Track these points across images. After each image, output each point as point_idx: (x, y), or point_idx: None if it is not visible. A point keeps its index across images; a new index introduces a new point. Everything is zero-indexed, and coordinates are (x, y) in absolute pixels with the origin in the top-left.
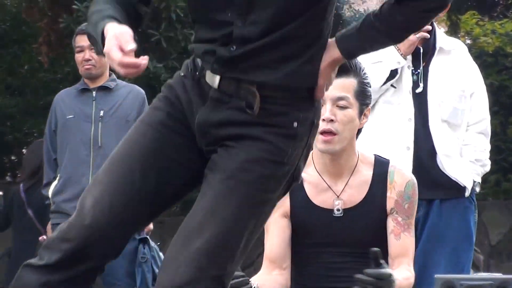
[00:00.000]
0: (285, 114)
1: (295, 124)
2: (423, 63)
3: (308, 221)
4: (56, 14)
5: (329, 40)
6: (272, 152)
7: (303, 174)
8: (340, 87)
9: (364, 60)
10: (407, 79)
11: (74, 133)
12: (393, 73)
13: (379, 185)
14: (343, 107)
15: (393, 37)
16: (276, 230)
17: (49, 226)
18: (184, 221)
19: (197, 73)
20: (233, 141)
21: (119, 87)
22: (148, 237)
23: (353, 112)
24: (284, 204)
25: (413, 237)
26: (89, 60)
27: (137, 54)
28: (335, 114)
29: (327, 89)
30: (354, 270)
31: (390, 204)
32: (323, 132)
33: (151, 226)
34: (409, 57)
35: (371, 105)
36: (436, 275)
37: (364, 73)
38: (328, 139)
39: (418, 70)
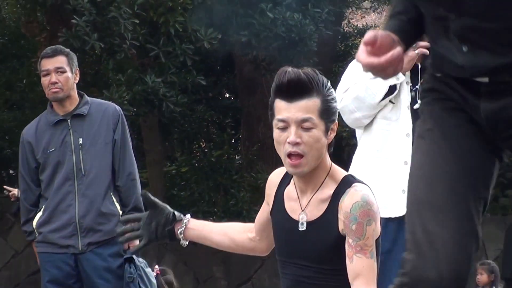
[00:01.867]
0: None
1: None
2: (421, 79)
3: (278, 223)
4: (55, 29)
5: None
6: None
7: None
8: (303, 109)
9: (363, 76)
10: (405, 95)
11: (58, 165)
12: (392, 89)
13: (334, 204)
14: (307, 129)
15: None
16: (260, 211)
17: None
18: None
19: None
20: None
21: (92, 110)
22: (134, 256)
23: (318, 132)
24: (269, 194)
25: (369, 258)
26: (56, 83)
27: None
28: (300, 136)
29: None
30: (319, 286)
31: (340, 225)
32: (290, 155)
33: (136, 242)
34: (408, 73)
35: (367, 121)
36: None
37: (328, 89)
38: (295, 163)
39: (416, 87)
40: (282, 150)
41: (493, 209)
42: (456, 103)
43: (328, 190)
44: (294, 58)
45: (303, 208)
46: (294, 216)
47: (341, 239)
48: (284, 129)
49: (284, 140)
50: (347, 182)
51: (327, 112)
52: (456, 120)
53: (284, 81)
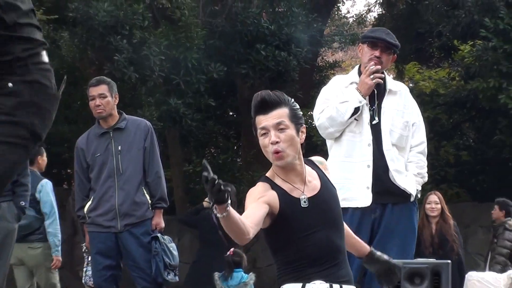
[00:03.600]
0: None
1: None
2: (377, 101)
3: (290, 210)
4: (101, 63)
5: None
6: None
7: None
8: (276, 116)
9: (334, 100)
10: (366, 114)
11: (102, 165)
12: (356, 110)
13: (322, 174)
14: (282, 129)
15: None
16: (256, 205)
17: (87, 235)
18: None
19: None
20: None
21: (129, 124)
22: (158, 235)
23: (291, 131)
24: (268, 195)
25: None
26: (99, 106)
27: (162, 93)
28: (278, 137)
29: None
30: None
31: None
32: (274, 152)
33: (162, 224)
34: (367, 97)
35: (338, 134)
36: None
37: (292, 101)
38: (279, 157)
39: (374, 107)
40: (268, 151)
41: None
42: None
43: (312, 173)
44: (281, 85)
45: (303, 190)
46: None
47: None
48: (265, 134)
49: (267, 143)
50: (312, 161)
51: (295, 116)
52: None
53: (258, 100)
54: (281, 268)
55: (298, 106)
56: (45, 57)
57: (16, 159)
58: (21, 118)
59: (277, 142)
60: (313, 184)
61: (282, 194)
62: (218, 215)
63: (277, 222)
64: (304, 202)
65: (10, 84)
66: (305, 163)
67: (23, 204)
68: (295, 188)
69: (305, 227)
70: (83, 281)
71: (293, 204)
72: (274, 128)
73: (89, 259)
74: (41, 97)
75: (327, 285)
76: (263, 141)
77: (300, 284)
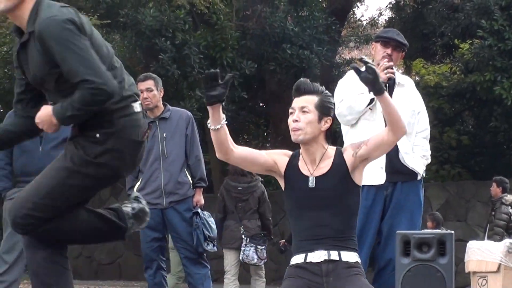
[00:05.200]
0: None
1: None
2: (388, 92)
3: (293, 180)
4: (148, 62)
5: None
6: None
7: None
8: (304, 101)
9: (352, 92)
10: (379, 104)
11: (150, 150)
12: (371, 100)
13: (339, 160)
14: (305, 112)
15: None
16: (261, 152)
17: None
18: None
19: None
20: None
21: (172, 115)
22: (199, 210)
23: (312, 116)
24: (278, 157)
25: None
26: (147, 98)
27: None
28: (298, 117)
29: None
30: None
31: (349, 164)
32: (292, 129)
33: (202, 201)
34: None
35: (354, 122)
36: (397, 231)
37: (325, 94)
38: (293, 132)
39: None
40: (290, 127)
41: (435, 178)
42: None
43: (328, 160)
44: None
45: (312, 172)
46: (307, 174)
47: (348, 176)
48: (292, 113)
49: (291, 121)
50: (337, 149)
51: (322, 106)
52: None
53: (296, 85)
54: (293, 238)
55: (330, 100)
56: (135, 108)
57: (98, 190)
58: (105, 161)
59: (296, 121)
60: (323, 166)
61: (293, 166)
62: (212, 127)
63: (285, 189)
64: (311, 182)
65: (97, 135)
66: (325, 153)
67: None
68: (306, 167)
69: (306, 204)
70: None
71: (300, 180)
72: (299, 110)
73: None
74: (123, 144)
75: (325, 252)
76: (290, 118)
77: (303, 255)
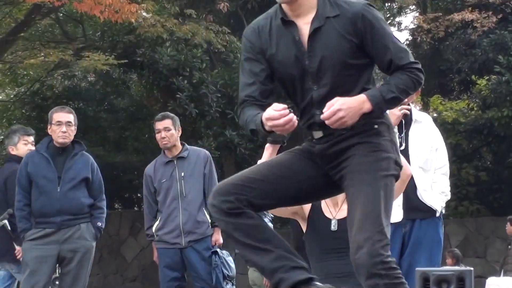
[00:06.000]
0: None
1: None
2: (405, 129)
3: (316, 222)
4: (166, 101)
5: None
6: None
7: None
8: None
9: None
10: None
11: (168, 190)
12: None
13: None
14: None
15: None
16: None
17: (155, 251)
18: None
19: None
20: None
21: (190, 154)
22: (218, 249)
23: None
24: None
25: None
26: (164, 138)
27: (219, 126)
28: None
29: None
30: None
31: None
32: None
33: (220, 240)
34: (396, 126)
35: None
36: (417, 268)
37: None
38: None
39: (402, 135)
40: None
41: (454, 214)
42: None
43: None
44: None
45: (335, 215)
46: (329, 216)
47: None
48: None
49: None
50: None
51: None
52: (303, 158)
53: None
54: None
55: None
56: None
57: (394, 189)
58: (391, 153)
59: None
60: (345, 209)
61: (316, 208)
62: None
63: (307, 232)
64: (334, 225)
65: (375, 126)
66: None
67: (100, 224)
68: (329, 210)
69: (328, 247)
70: None
71: (323, 222)
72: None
73: None
74: (393, 135)
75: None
76: None
77: None
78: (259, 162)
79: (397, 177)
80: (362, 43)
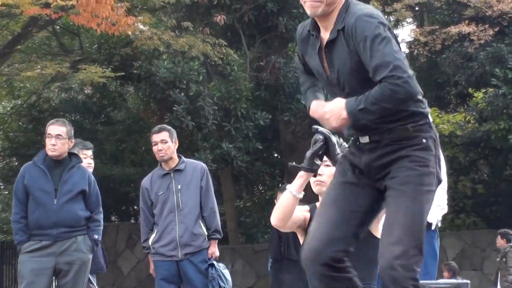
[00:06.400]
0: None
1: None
2: None
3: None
4: (163, 114)
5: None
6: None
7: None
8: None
9: None
10: None
11: (164, 202)
12: None
13: None
14: (328, 165)
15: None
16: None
17: (151, 263)
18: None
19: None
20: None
21: (187, 166)
22: (214, 262)
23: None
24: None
25: None
26: (161, 150)
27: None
28: (322, 171)
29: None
30: None
31: None
32: (316, 182)
33: (217, 253)
34: None
35: None
36: None
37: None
38: (318, 184)
39: None
40: (312, 181)
41: (451, 227)
42: (350, 164)
43: None
44: None
45: None
46: None
47: (369, 232)
48: (328, 166)
49: (324, 172)
50: None
51: None
52: (346, 177)
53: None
54: None
55: None
56: (430, 118)
57: (430, 206)
58: (434, 169)
59: (320, 175)
60: None
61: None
62: (298, 194)
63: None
64: None
65: (424, 140)
66: None
67: (96, 237)
68: None
69: None
70: None
71: None
72: (324, 165)
73: None
74: (438, 149)
75: None
76: (322, 169)
77: None
78: (288, 187)
79: (435, 192)
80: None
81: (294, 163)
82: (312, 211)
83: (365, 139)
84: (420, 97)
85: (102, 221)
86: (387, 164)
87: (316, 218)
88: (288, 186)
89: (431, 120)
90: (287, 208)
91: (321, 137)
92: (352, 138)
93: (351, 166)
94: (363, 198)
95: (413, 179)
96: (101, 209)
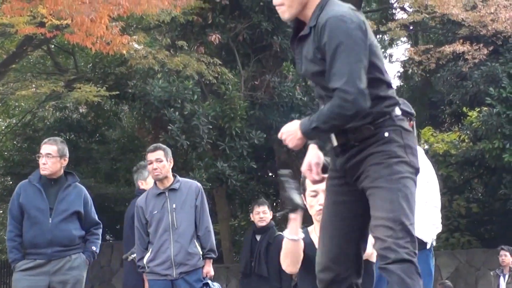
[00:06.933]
0: None
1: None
2: None
3: (310, 257)
4: (157, 133)
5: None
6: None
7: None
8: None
9: None
10: None
11: (159, 221)
12: None
13: None
14: (314, 196)
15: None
16: None
17: (146, 282)
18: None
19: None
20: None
21: (182, 186)
22: (209, 281)
23: None
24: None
25: None
26: (156, 169)
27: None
28: (318, 200)
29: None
30: None
31: None
32: (320, 210)
33: (212, 272)
34: None
35: None
36: None
37: None
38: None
39: None
40: (314, 209)
41: (445, 246)
42: (335, 177)
43: None
44: None
45: None
46: None
47: None
48: (315, 196)
49: (316, 203)
50: None
51: None
52: (336, 195)
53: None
54: None
55: None
56: (398, 111)
57: (413, 190)
58: (403, 158)
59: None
60: None
61: (309, 244)
62: (294, 237)
63: (300, 268)
64: None
65: (386, 134)
66: None
67: (94, 249)
68: None
69: None
70: None
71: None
72: (323, 192)
73: None
74: (407, 139)
75: None
76: (311, 200)
77: None
78: (285, 234)
79: (414, 179)
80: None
81: (281, 212)
82: (305, 235)
83: (334, 142)
84: (382, 94)
85: (100, 235)
86: (357, 164)
87: (318, 244)
88: (285, 233)
89: (397, 113)
90: (293, 254)
91: (285, 175)
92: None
93: (336, 178)
94: (357, 207)
95: (382, 173)
96: (100, 225)
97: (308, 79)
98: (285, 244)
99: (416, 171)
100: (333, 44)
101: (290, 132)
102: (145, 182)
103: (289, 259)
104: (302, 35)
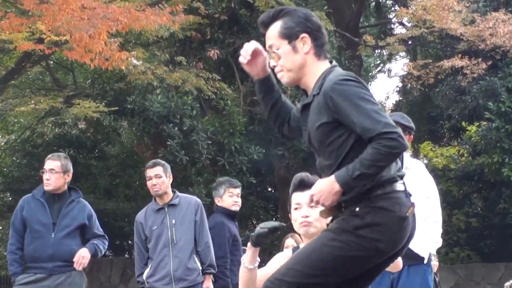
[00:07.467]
0: None
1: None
2: None
3: None
4: (156, 148)
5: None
6: None
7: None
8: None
9: None
10: None
11: (159, 237)
12: None
13: None
14: (313, 207)
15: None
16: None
17: None
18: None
19: None
20: None
21: (181, 201)
22: None
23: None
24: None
25: None
26: (156, 185)
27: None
28: (309, 213)
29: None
30: None
31: None
32: (302, 224)
33: (211, 287)
34: None
35: None
36: None
37: None
38: (303, 226)
39: None
40: (297, 222)
41: (445, 260)
42: None
43: None
44: (313, 165)
45: None
46: None
47: None
48: (298, 209)
49: (298, 216)
50: None
51: None
52: None
53: (298, 180)
54: None
55: None
56: (398, 187)
57: (364, 263)
58: (364, 234)
59: (307, 216)
60: None
61: None
62: (249, 266)
63: None
64: None
65: (357, 209)
66: None
67: (100, 247)
68: None
69: None
70: None
71: None
72: (307, 205)
73: None
74: (384, 220)
75: None
76: (295, 214)
77: None
78: (242, 261)
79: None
80: (338, 120)
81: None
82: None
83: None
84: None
85: (107, 243)
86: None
87: None
88: (244, 260)
89: (396, 188)
90: (245, 281)
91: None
92: None
93: None
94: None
95: (331, 228)
96: (106, 237)
97: (312, 149)
98: (242, 272)
99: (380, 253)
100: (354, 100)
101: (323, 190)
102: (221, 200)
103: (246, 286)
104: (306, 104)
